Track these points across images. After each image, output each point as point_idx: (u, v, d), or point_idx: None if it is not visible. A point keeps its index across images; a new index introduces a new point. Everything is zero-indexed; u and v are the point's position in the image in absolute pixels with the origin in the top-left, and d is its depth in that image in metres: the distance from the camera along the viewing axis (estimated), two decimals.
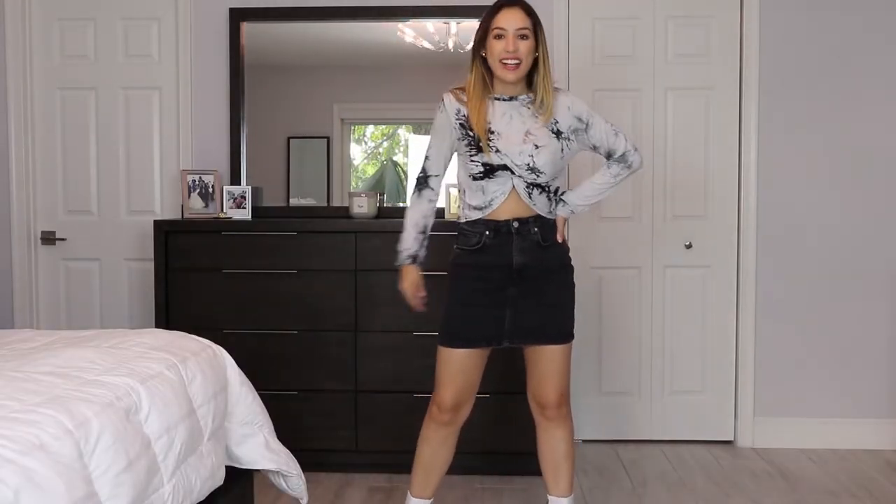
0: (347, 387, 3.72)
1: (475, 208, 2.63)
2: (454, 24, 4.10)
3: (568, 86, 4.13)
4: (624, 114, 4.16)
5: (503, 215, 2.60)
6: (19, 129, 4.20)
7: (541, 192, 2.62)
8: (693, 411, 4.23)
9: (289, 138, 4.20)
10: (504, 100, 2.63)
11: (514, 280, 2.61)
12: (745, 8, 4.09)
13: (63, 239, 4.26)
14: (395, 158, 4.30)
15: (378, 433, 3.72)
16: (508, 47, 2.53)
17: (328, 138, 4.20)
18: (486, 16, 2.60)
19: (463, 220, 2.68)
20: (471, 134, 2.60)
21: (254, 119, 4.17)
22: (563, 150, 2.63)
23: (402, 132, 4.29)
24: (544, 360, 2.68)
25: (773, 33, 4.08)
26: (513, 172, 2.57)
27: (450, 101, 2.67)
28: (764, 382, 4.16)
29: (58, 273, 4.28)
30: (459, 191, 2.72)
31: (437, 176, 2.72)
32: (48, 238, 4.25)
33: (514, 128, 2.60)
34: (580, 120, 2.67)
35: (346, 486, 3.61)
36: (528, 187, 2.60)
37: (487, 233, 2.60)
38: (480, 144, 2.57)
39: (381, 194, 4.12)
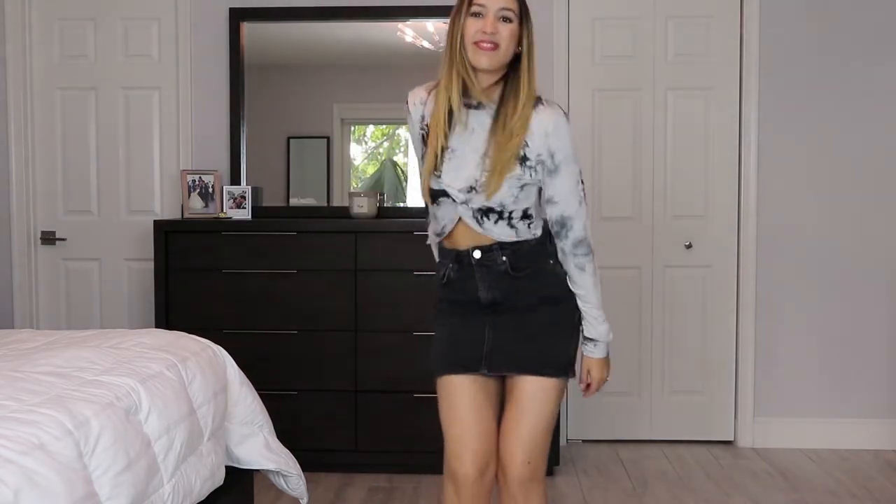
0: (347, 387, 3.72)
1: (435, 234, 2.20)
2: None
3: (568, 86, 4.13)
4: (624, 114, 4.17)
5: (463, 243, 2.12)
6: (19, 129, 4.20)
7: (497, 220, 2.08)
8: (693, 411, 4.23)
9: (289, 138, 4.20)
10: (472, 107, 2.08)
11: (489, 313, 2.14)
12: (745, 8, 4.09)
13: (63, 239, 4.26)
14: (394, 158, 4.30)
15: (378, 433, 3.72)
16: (486, 28, 2.00)
17: (328, 138, 4.20)
18: None
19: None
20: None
21: (254, 119, 4.17)
22: (520, 178, 2.06)
23: (402, 132, 4.29)
24: (514, 401, 2.13)
25: (773, 33, 4.08)
26: (454, 199, 2.08)
27: (413, 104, 2.17)
28: (764, 382, 4.16)
29: (58, 273, 4.28)
30: None
31: None
32: (48, 238, 4.25)
33: (471, 145, 2.07)
34: (551, 158, 2.06)
35: (346, 486, 3.61)
36: (475, 214, 2.07)
37: (451, 265, 2.14)
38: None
39: (381, 194, 4.12)
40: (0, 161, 4.20)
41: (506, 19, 2.02)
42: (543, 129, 2.04)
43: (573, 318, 2.20)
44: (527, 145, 2.05)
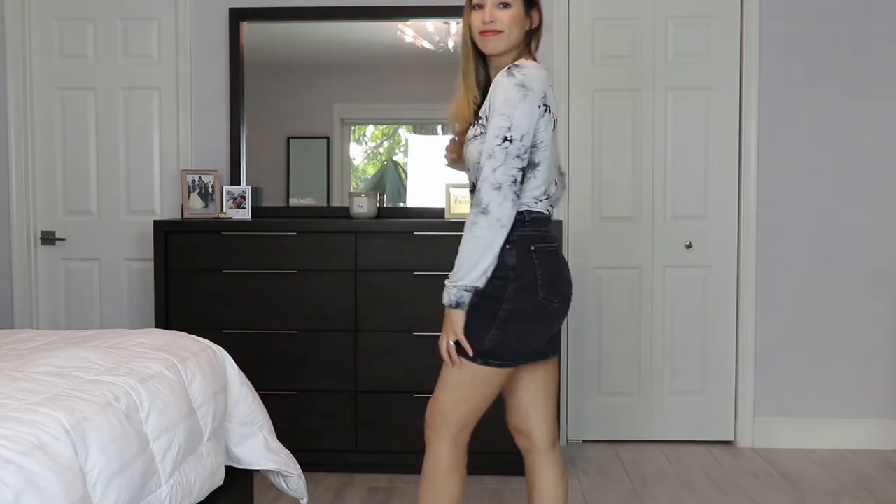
0: (347, 387, 3.72)
1: None
2: (454, 24, 4.10)
3: (568, 86, 4.13)
4: (624, 114, 4.17)
5: None
6: (19, 129, 4.20)
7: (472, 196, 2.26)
8: (693, 411, 4.23)
9: (289, 138, 4.20)
10: None
11: None
12: (745, 8, 4.09)
13: (63, 239, 4.26)
14: (395, 158, 4.30)
15: (378, 433, 3.72)
16: (485, 17, 2.19)
17: (328, 138, 4.20)
18: None
19: None
20: None
21: (254, 119, 4.17)
22: (474, 134, 2.23)
23: (403, 132, 4.29)
24: None
25: (773, 33, 4.08)
26: None
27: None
28: (764, 382, 4.16)
29: (58, 273, 4.28)
30: None
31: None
32: (48, 238, 4.25)
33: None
34: (486, 113, 2.18)
35: (346, 486, 3.61)
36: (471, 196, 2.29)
37: None
38: None
39: (382, 194, 4.12)
40: (0, 161, 4.20)
41: (504, 5, 2.20)
42: (492, 85, 2.18)
43: (495, 310, 2.16)
44: (484, 102, 2.21)
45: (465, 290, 2.13)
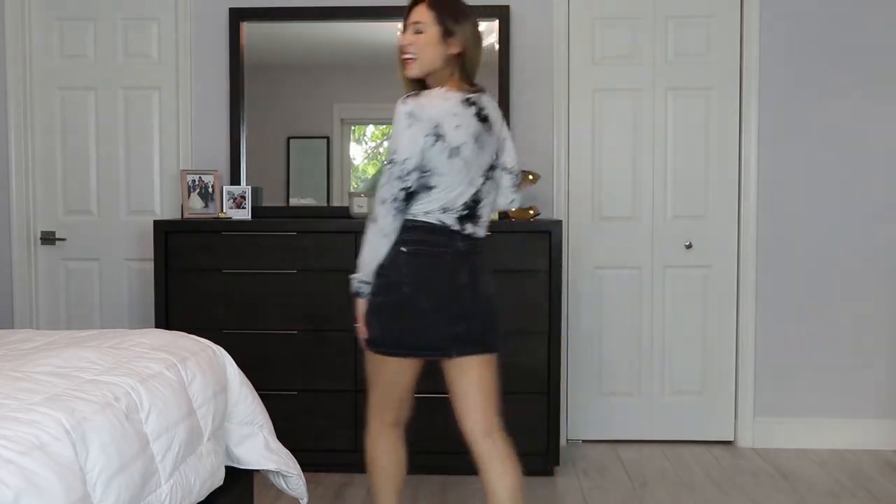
0: (347, 387, 3.72)
1: None
2: None
3: (568, 86, 4.13)
4: (624, 114, 4.17)
5: None
6: (19, 129, 4.20)
7: None
8: (693, 411, 4.23)
9: (289, 138, 4.20)
10: None
11: None
12: (745, 8, 4.09)
13: (63, 239, 4.26)
14: None
15: None
16: (402, 41, 2.39)
17: (328, 138, 4.20)
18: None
19: None
20: None
21: (254, 119, 4.17)
22: None
23: None
24: None
25: (773, 33, 4.08)
26: None
27: None
28: (764, 382, 4.16)
29: (58, 273, 4.28)
30: None
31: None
32: (48, 238, 4.25)
33: None
34: None
35: (346, 486, 3.61)
36: None
37: None
38: None
39: None
40: (0, 161, 4.20)
41: (418, 31, 2.36)
42: None
43: (372, 303, 2.41)
44: None
45: (361, 282, 2.41)
